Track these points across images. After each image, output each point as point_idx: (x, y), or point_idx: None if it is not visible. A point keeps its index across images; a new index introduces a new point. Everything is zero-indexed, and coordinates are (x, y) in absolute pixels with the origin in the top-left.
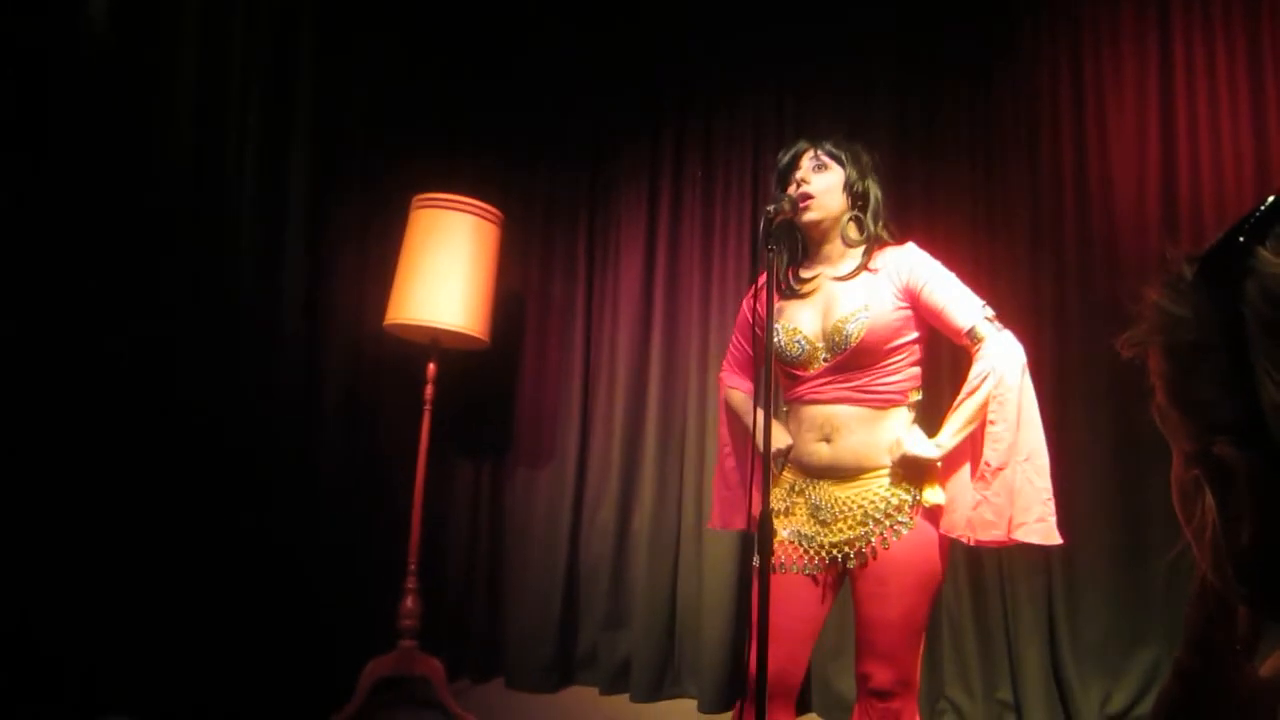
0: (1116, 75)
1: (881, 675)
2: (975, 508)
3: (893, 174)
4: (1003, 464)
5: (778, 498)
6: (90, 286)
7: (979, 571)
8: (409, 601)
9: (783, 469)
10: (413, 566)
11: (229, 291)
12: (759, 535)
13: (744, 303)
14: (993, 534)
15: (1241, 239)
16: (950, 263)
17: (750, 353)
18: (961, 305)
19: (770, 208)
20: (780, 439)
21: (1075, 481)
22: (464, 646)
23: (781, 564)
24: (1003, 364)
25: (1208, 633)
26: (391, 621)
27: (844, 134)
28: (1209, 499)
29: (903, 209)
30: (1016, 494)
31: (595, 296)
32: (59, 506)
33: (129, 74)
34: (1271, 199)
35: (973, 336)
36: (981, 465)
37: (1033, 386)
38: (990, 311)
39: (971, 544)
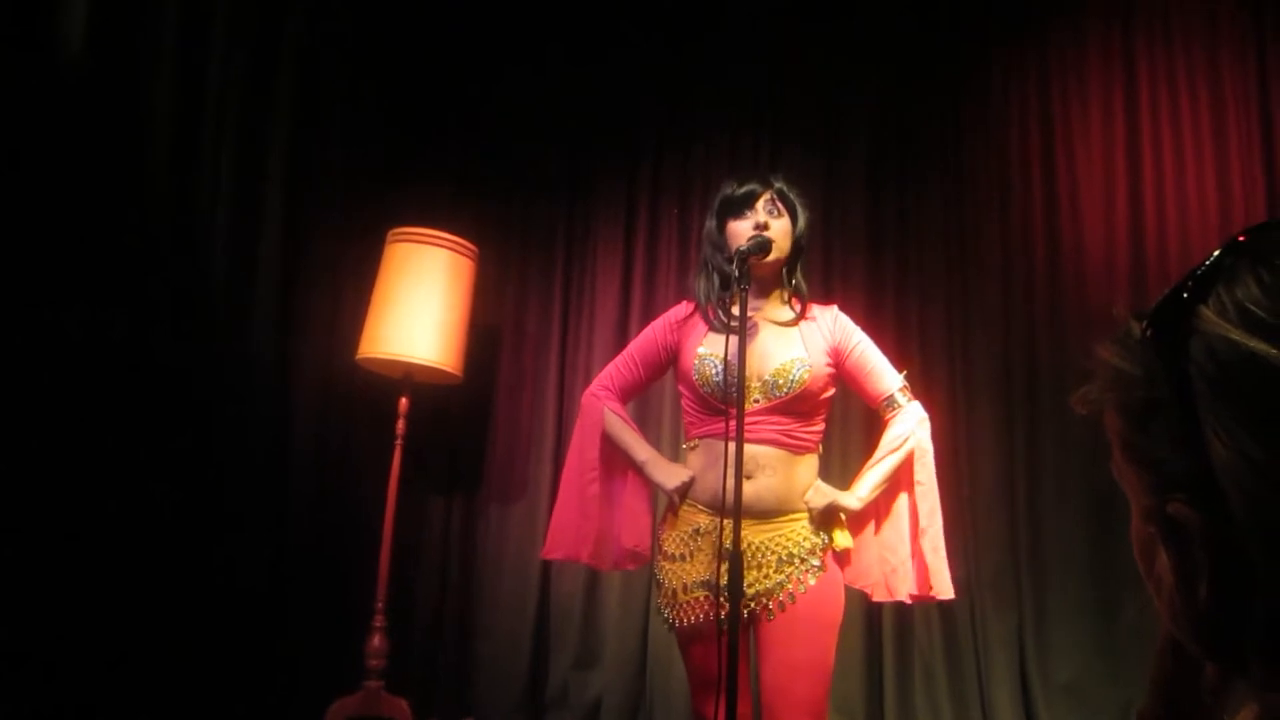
0: (1084, 125)
1: None
2: (917, 568)
3: (865, 223)
4: (929, 524)
5: (675, 542)
6: (55, 317)
7: (951, 614)
8: (376, 640)
9: (682, 502)
10: (380, 604)
11: (200, 323)
12: (729, 578)
13: (654, 328)
14: (926, 590)
15: (1185, 296)
16: (923, 316)
17: (644, 379)
18: (884, 373)
19: (744, 248)
20: (680, 472)
21: (1047, 525)
22: (432, 686)
23: (694, 624)
24: (920, 429)
25: (1172, 684)
26: (358, 660)
27: (791, 181)
28: (1165, 556)
29: (874, 261)
30: (939, 552)
31: (570, 331)
32: (13, 540)
33: (101, 103)
34: (1214, 255)
35: (890, 403)
36: (918, 524)
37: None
38: (905, 382)
39: (901, 601)
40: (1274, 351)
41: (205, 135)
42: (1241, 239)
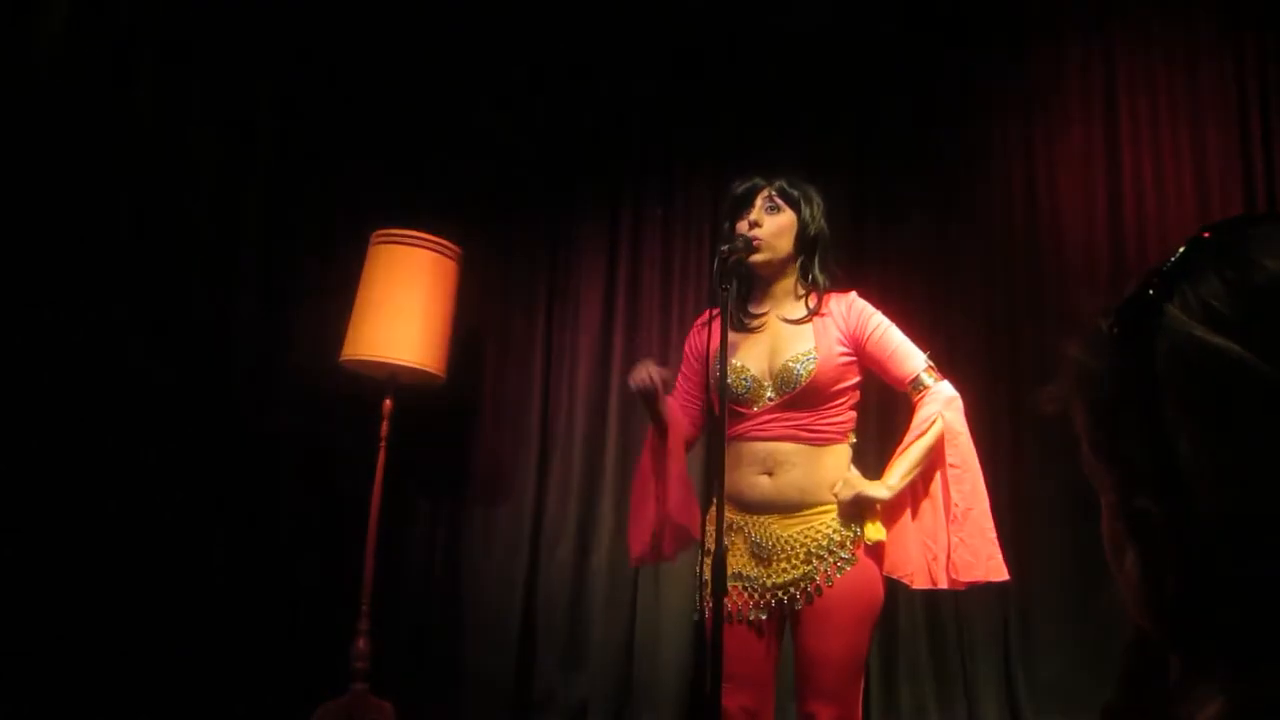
0: (1064, 125)
1: (826, 714)
2: (953, 551)
3: (849, 220)
4: (970, 505)
5: (712, 537)
6: (40, 321)
7: (935, 612)
8: (361, 643)
9: (656, 402)
10: (365, 606)
11: (183, 326)
12: (713, 575)
13: (687, 340)
14: (974, 575)
15: (1150, 294)
16: (905, 307)
17: (695, 386)
18: (906, 355)
19: (725, 248)
20: (654, 370)
21: (1031, 522)
22: (417, 688)
23: (728, 613)
24: (949, 410)
25: (1139, 680)
26: (343, 663)
27: (799, 174)
28: (1133, 551)
29: (857, 258)
30: (985, 534)
31: (554, 332)
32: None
33: (83, 109)
34: (1178, 253)
35: (916, 385)
36: (953, 507)
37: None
38: (930, 362)
39: (936, 587)
40: (1237, 348)
41: (188, 137)
42: (1206, 235)
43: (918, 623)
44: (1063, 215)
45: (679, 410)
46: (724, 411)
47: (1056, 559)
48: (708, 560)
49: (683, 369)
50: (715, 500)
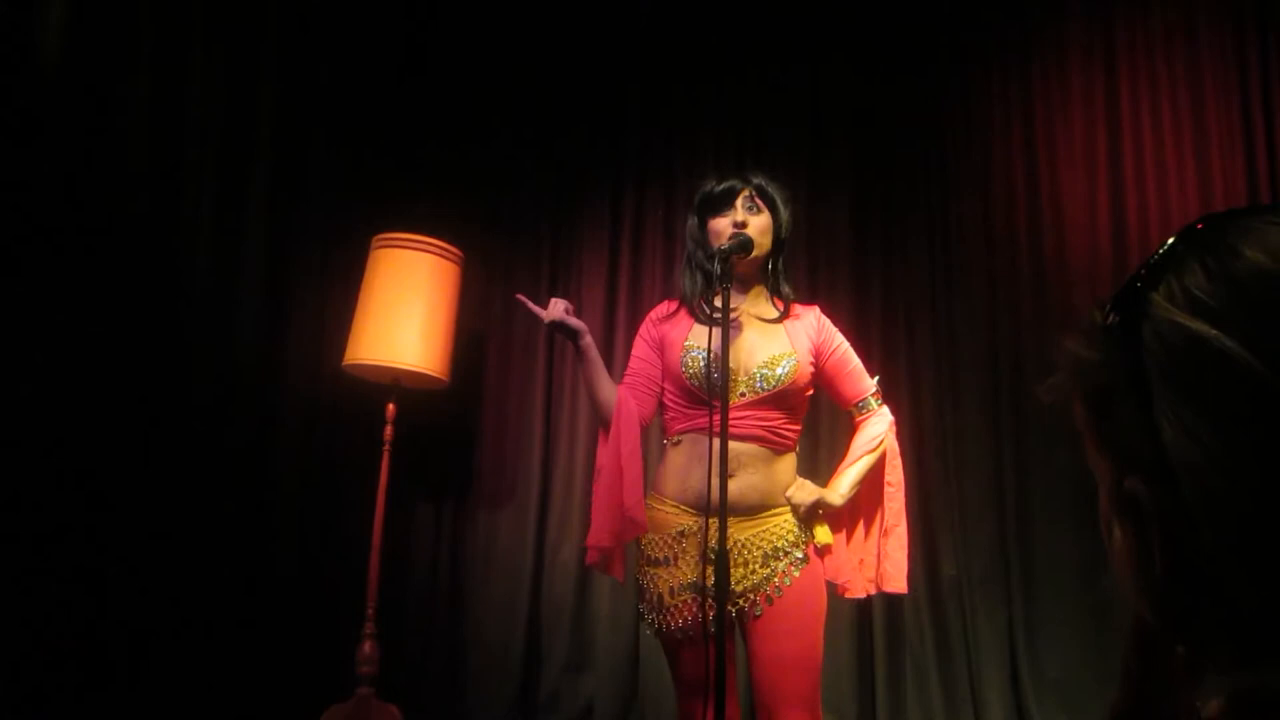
0: (1066, 127)
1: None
2: (881, 563)
3: (850, 226)
4: (897, 523)
5: (659, 546)
6: (39, 322)
7: (942, 613)
8: (367, 647)
9: (568, 327)
10: (371, 611)
11: (185, 331)
12: (715, 578)
13: (640, 334)
14: (892, 586)
15: (1139, 284)
16: (910, 319)
17: (655, 367)
18: (859, 377)
19: (724, 246)
20: (555, 310)
21: (1036, 522)
22: (423, 692)
23: (683, 627)
24: (890, 432)
25: (1142, 675)
26: (348, 667)
27: (772, 175)
28: (1121, 531)
29: (861, 267)
30: (904, 550)
31: (556, 335)
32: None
33: (80, 109)
34: (1167, 244)
35: (863, 406)
36: (885, 522)
37: None
38: (878, 388)
39: (864, 596)
40: (1217, 334)
41: (188, 141)
42: (1199, 227)
43: (924, 624)
44: (1065, 216)
45: (632, 399)
46: (725, 414)
47: (1061, 559)
48: (651, 570)
49: (636, 353)
50: (659, 502)
